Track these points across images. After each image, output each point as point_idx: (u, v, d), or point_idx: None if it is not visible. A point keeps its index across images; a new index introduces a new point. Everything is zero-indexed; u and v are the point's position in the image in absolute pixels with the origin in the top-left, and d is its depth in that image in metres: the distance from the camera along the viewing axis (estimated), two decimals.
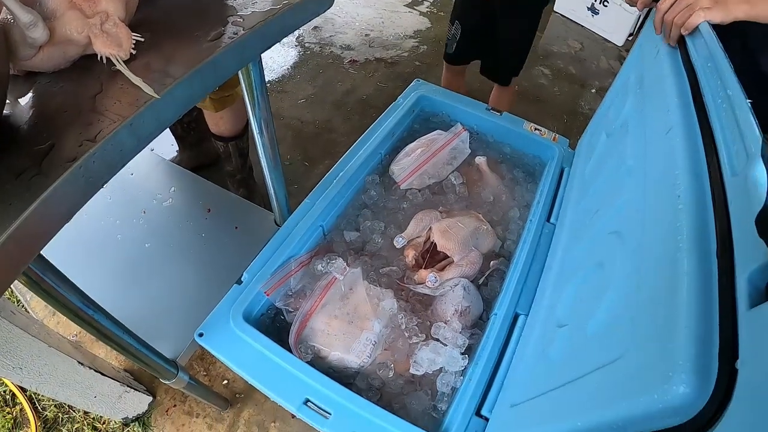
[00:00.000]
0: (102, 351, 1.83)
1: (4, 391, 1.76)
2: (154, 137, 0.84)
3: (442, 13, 3.78)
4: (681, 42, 0.99)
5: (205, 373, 1.83)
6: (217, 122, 1.92)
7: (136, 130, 0.78)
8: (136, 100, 0.79)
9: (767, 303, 0.44)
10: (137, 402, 1.68)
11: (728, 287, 0.51)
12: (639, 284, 0.68)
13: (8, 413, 1.73)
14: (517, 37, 2.05)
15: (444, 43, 2.22)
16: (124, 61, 0.84)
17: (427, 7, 3.85)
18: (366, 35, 3.46)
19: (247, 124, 2.02)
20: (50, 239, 0.72)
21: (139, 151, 0.81)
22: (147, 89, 0.79)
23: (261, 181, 2.20)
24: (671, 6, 0.99)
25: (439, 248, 1.34)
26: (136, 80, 0.80)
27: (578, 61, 3.39)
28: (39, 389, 1.34)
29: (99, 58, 0.84)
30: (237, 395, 1.78)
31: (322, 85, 3.04)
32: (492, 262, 1.38)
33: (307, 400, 1.04)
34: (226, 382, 1.81)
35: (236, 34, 0.94)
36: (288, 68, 3.15)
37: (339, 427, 1.01)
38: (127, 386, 1.59)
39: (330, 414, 1.02)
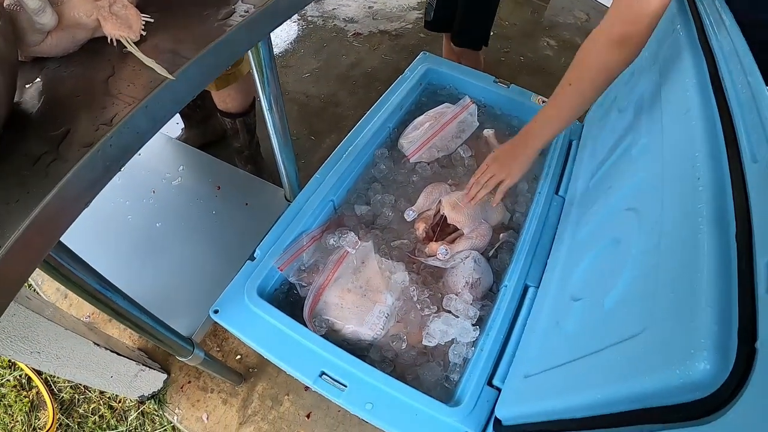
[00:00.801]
0: (115, 331, 1.86)
1: (20, 375, 1.79)
2: (169, 119, 0.84)
3: None
4: (697, 19, 0.98)
5: (218, 349, 1.85)
6: (225, 99, 1.91)
7: (152, 112, 0.78)
8: (150, 82, 0.79)
9: None
10: (152, 380, 1.70)
11: (747, 270, 0.52)
12: (659, 262, 0.69)
13: (25, 396, 1.75)
14: (479, 3, 2.00)
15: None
16: (134, 43, 0.84)
17: None
18: (369, 7, 3.42)
19: (254, 100, 2.02)
20: (70, 225, 0.72)
21: (155, 133, 0.81)
22: (161, 71, 0.79)
23: (269, 156, 2.20)
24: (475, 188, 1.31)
25: (449, 221, 1.35)
26: (149, 62, 0.80)
27: (584, 32, 3.32)
28: (57, 372, 1.36)
29: (109, 41, 0.84)
30: (250, 369, 1.80)
31: (326, 59, 3.01)
32: (501, 235, 1.40)
33: (323, 373, 1.06)
34: (239, 357, 1.83)
35: (247, 12, 0.93)
36: (291, 42, 3.12)
37: (355, 398, 1.04)
38: (143, 365, 1.61)
39: (346, 386, 1.05)
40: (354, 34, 3.20)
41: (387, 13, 3.39)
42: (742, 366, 0.46)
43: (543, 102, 1.64)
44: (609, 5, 0.97)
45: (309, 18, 3.29)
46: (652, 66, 1.14)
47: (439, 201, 1.39)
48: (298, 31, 3.20)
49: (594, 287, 0.90)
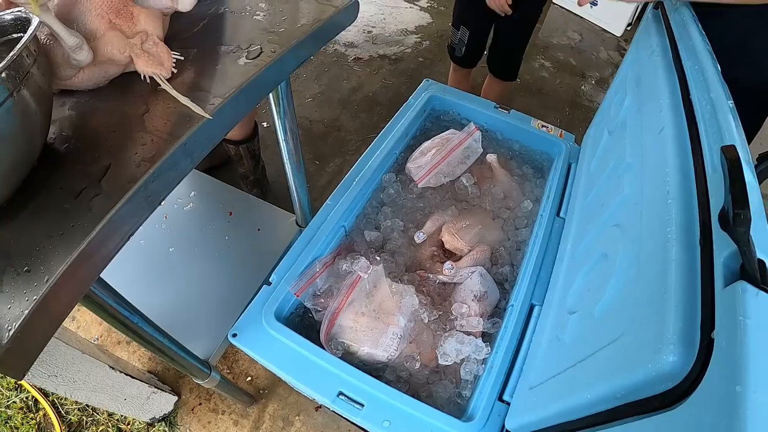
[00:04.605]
0: (124, 353, 1.89)
1: (27, 397, 1.79)
2: (205, 155, 0.88)
3: (442, 8, 3.82)
4: (672, 42, 1.06)
5: (228, 371, 1.88)
6: None
7: (190, 150, 0.82)
8: (188, 119, 0.83)
9: (738, 282, 0.52)
10: (164, 402, 1.72)
11: (708, 270, 0.60)
12: (638, 272, 0.76)
13: (32, 419, 1.76)
14: (523, 32, 2.12)
15: (448, 42, 2.27)
16: (166, 80, 0.88)
17: (427, 2, 3.87)
18: (368, 32, 3.48)
19: (256, 126, 2.08)
20: (113, 257, 0.76)
21: (192, 169, 0.85)
22: (197, 110, 0.83)
23: (275, 180, 2.25)
24: None
25: (447, 247, 1.43)
26: (184, 100, 0.84)
27: (578, 52, 3.42)
28: (72, 395, 1.37)
29: (142, 77, 0.89)
30: (261, 391, 1.83)
31: (327, 84, 3.07)
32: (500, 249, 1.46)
33: (341, 393, 1.09)
34: (249, 378, 1.86)
35: (274, 51, 0.98)
36: None
37: (372, 416, 1.07)
38: (154, 387, 1.63)
39: (363, 405, 1.08)
40: (354, 58, 3.26)
41: (386, 37, 3.46)
42: (704, 355, 0.53)
43: (542, 127, 1.69)
44: (601, 26, 1.07)
45: None
46: (634, 89, 1.21)
47: (441, 228, 1.45)
48: None
49: (586, 300, 0.96)
